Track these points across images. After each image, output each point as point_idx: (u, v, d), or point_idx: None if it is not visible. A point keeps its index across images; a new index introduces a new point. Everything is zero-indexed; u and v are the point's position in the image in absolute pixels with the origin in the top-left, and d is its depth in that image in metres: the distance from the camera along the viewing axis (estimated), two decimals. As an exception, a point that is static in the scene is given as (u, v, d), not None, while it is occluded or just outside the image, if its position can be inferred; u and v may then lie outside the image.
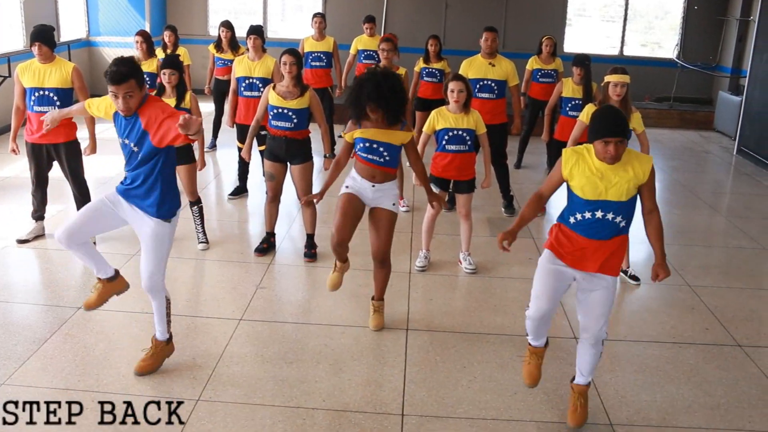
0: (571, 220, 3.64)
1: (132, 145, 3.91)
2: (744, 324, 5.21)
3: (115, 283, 4.26)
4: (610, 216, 3.57)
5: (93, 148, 6.13)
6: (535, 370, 4.01)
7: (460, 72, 6.88)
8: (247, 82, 7.11)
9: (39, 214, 6.25)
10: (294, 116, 5.79)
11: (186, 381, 4.14)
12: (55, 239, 4.12)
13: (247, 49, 7.31)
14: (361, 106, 4.51)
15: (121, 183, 4.04)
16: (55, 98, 5.80)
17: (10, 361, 4.26)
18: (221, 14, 14.27)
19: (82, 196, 6.02)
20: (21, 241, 6.12)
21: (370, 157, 4.64)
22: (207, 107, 8.46)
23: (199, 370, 4.29)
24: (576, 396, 3.90)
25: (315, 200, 4.92)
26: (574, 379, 3.96)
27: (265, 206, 6.16)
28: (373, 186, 4.68)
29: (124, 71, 3.68)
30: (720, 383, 4.38)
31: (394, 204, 4.75)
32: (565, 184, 3.68)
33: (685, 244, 6.96)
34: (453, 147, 5.73)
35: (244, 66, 7.14)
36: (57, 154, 5.95)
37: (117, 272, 4.28)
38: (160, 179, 3.95)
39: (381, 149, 4.62)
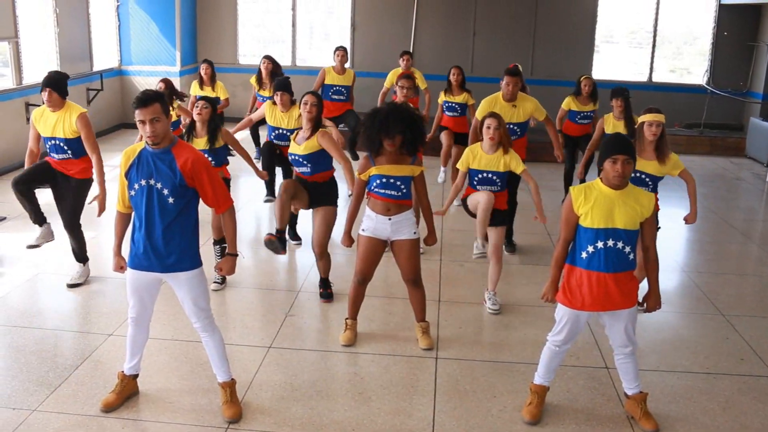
0: (583, 255, 3.85)
1: (160, 187, 3.81)
2: (780, 354, 5.11)
3: (134, 384, 4.27)
4: (620, 245, 3.78)
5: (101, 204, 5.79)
6: (536, 409, 4.16)
7: (479, 112, 6.68)
8: (276, 132, 7.10)
9: (39, 218, 5.98)
10: (307, 162, 5.60)
11: (216, 408, 4.14)
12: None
13: (274, 103, 7.04)
14: (376, 138, 4.58)
15: (144, 252, 3.91)
16: (66, 147, 5.65)
17: (42, 388, 4.30)
18: (250, 43, 14.49)
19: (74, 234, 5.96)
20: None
21: (387, 192, 4.72)
22: (240, 134, 8.52)
23: (229, 397, 4.28)
24: (638, 404, 4.11)
25: (349, 246, 4.98)
26: (627, 396, 4.18)
27: (277, 203, 5.60)
28: (390, 219, 4.76)
29: (150, 95, 3.78)
30: (756, 415, 4.29)
31: (415, 233, 4.83)
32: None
33: (717, 272, 6.86)
34: (483, 188, 5.60)
35: (277, 118, 7.02)
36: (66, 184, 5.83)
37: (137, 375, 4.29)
38: (192, 222, 3.97)
39: (398, 183, 4.71)
